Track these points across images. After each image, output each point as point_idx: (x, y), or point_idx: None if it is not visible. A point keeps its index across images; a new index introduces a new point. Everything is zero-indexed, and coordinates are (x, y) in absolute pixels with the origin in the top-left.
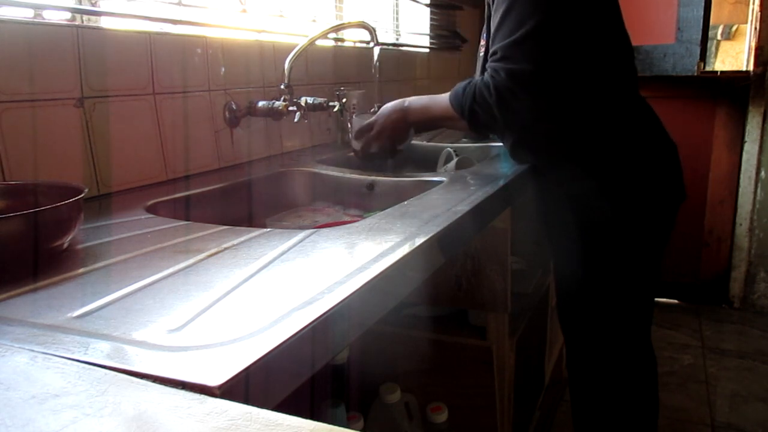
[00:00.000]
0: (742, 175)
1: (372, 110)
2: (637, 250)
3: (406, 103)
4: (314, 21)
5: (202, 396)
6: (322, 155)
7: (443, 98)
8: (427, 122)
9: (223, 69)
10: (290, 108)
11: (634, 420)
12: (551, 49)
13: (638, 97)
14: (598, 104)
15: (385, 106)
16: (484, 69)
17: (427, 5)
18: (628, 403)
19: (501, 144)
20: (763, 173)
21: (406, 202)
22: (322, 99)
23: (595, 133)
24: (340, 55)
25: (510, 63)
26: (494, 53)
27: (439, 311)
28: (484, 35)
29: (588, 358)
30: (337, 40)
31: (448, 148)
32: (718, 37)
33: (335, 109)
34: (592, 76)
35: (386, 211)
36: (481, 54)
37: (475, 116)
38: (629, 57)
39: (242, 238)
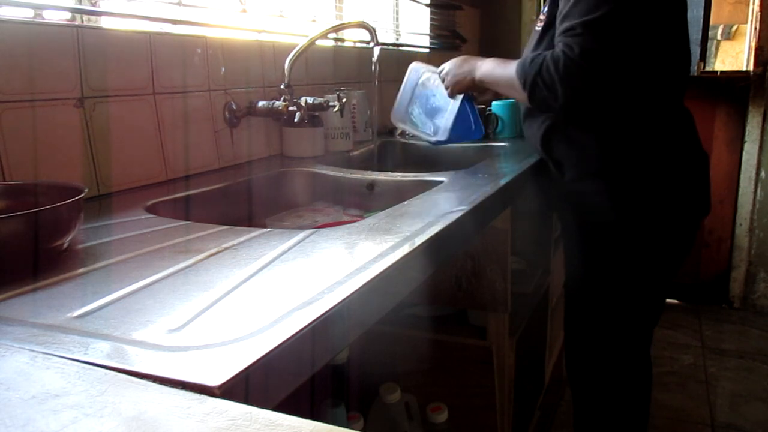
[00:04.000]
0: (742, 175)
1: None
2: (653, 259)
3: (475, 61)
4: (314, 21)
5: (202, 396)
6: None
7: (511, 64)
8: (491, 83)
9: (223, 69)
10: (290, 108)
11: (631, 422)
12: (625, 35)
13: (682, 106)
14: (644, 106)
15: (456, 58)
16: (539, 44)
17: (427, 5)
18: (625, 405)
19: (501, 144)
20: (763, 173)
21: (406, 202)
22: (322, 99)
23: (634, 136)
24: (340, 55)
25: (587, 41)
26: (571, 28)
27: (439, 311)
28: (545, 9)
29: (587, 358)
30: (337, 40)
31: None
32: (718, 37)
33: (335, 110)
34: (650, 74)
35: (386, 211)
36: (538, 28)
37: (536, 89)
38: (686, 63)
39: (242, 238)
